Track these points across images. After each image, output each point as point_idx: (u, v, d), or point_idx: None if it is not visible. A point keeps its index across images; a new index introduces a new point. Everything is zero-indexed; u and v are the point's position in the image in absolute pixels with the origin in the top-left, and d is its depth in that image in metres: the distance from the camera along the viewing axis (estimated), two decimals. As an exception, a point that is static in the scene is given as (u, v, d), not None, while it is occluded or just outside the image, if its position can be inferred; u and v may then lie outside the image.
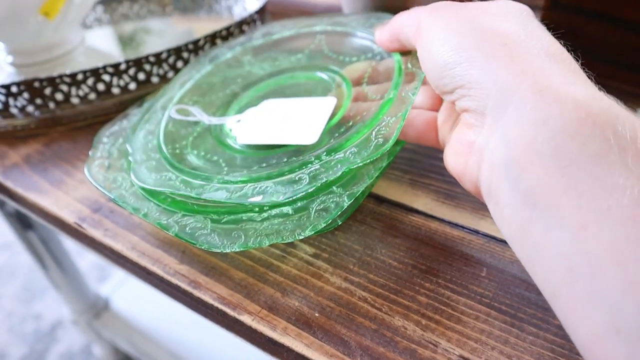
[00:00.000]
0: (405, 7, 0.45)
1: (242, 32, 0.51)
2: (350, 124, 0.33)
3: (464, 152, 0.25)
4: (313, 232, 0.29)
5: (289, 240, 0.29)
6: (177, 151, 0.37)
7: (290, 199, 0.28)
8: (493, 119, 0.23)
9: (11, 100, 0.45)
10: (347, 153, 0.29)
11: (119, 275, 0.98)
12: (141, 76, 0.46)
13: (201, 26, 0.66)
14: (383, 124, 0.29)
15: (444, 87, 0.26)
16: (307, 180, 0.28)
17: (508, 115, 0.22)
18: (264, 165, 0.33)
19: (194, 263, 0.32)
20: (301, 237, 0.29)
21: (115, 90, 0.46)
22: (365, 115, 0.32)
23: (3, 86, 0.43)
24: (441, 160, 0.38)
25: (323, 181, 0.28)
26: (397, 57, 0.34)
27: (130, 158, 0.36)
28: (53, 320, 1.09)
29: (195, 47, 0.47)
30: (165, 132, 0.38)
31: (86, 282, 0.88)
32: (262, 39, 0.45)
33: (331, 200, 0.29)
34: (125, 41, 0.64)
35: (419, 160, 0.39)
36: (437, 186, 0.37)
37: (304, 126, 0.35)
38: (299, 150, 0.34)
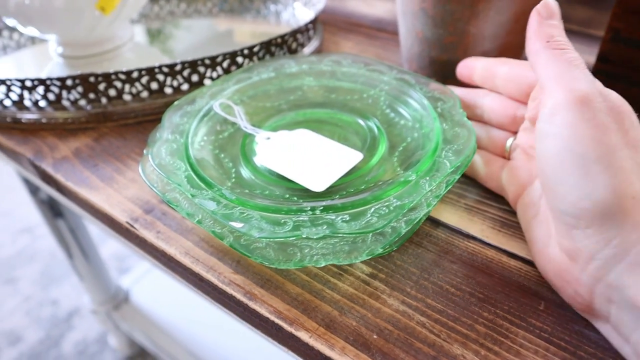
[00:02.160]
0: (456, 59, 0.44)
1: (295, 40, 0.51)
2: (363, 187, 0.33)
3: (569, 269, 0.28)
4: (369, 257, 0.29)
5: (345, 263, 0.29)
6: (202, 143, 0.37)
7: (266, 238, 0.28)
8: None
9: (64, 93, 0.45)
10: (338, 218, 0.29)
11: (140, 267, 0.98)
12: (194, 78, 0.46)
13: (244, 28, 0.66)
14: (386, 203, 0.30)
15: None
16: (291, 227, 0.28)
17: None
18: (266, 192, 0.33)
19: (249, 274, 0.32)
20: (357, 261, 0.29)
21: (168, 90, 0.46)
22: (379, 184, 0.32)
23: (59, 79, 0.43)
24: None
25: (303, 235, 0.28)
26: (438, 138, 0.34)
27: (157, 134, 0.36)
28: (70, 307, 1.10)
29: (250, 53, 0.47)
30: (201, 120, 0.38)
31: (108, 273, 0.89)
32: (331, 67, 0.45)
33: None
34: (153, 34, 0.64)
35: (474, 185, 0.39)
36: (493, 213, 0.36)
37: (319, 171, 0.35)
38: (306, 192, 0.34)
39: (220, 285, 0.32)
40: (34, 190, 0.72)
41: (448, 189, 0.32)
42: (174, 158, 0.34)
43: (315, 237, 0.28)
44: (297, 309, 0.30)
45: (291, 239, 0.28)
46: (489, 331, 0.29)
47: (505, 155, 0.37)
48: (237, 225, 0.29)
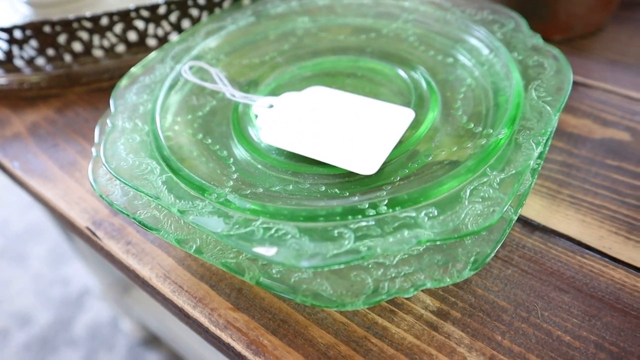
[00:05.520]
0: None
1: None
2: (430, 159, 0.23)
3: None
4: (475, 270, 0.19)
5: (445, 284, 0.19)
6: (176, 127, 0.26)
7: (321, 267, 0.17)
8: None
9: (15, 49, 0.34)
10: (422, 214, 0.19)
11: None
12: (186, 24, 0.35)
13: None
14: (485, 180, 0.20)
15: None
16: (351, 241, 0.18)
17: None
18: (290, 187, 0.22)
19: (255, 310, 0.22)
20: (461, 279, 0.19)
21: (151, 42, 0.35)
22: (456, 154, 0.22)
23: (3, 29, 0.32)
24: (612, 169, 0.26)
25: (375, 251, 0.17)
26: (515, 74, 0.24)
27: (108, 121, 0.25)
28: (81, 287, 1.03)
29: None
30: (168, 94, 0.27)
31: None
32: (328, 0, 0.33)
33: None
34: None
35: (579, 166, 0.27)
36: (613, 210, 0.25)
37: (361, 145, 0.23)
38: (346, 179, 0.23)
39: (212, 328, 0.21)
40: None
41: (548, 146, 0.22)
42: (139, 156, 0.23)
43: (399, 252, 0.18)
44: (329, 372, 0.19)
45: (332, 265, 0.17)
46: (636, 413, 0.18)
47: None
48: (268, 251, 0.18)
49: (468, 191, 0.19)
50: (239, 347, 0.21)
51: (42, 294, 1.03)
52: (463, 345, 0.20)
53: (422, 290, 0.22)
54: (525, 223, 0.24)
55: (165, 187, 0.21)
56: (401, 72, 0.28)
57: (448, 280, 0.18)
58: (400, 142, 0.24)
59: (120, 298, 0.83)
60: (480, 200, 0.19)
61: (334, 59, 0.31)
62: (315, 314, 0.21)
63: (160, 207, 0.22)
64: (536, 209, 0.25)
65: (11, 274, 1.07)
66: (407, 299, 0.22)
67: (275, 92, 0.28)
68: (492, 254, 0.19)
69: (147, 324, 0.83)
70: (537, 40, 0.27)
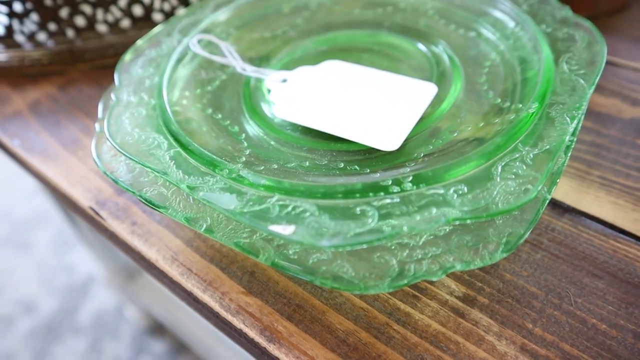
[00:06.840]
0: None
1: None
2: (455, 135, 0.21)
3: None
4: (507, 252, 0.18)
5: (476, 266, 0.18)
6: (185, 102, 0.24)
7: (337, 247, 0.16)
8: None
9: (16, 24, 0.32)
10: (451, 191, 0.17)
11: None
12: (193, -3, 0.33)
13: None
14: (517, 156, 0.18)
15: None
16: (375, 219, 0.16)
17: None
18: (306, 163, 0.21)
19: (269, 295, 0.20)
20: (494, 260, 0.17)
21: (157, 17, 0.34)
22: (482, 130, 0.21)
23: (3, 2, 0.31)
24: (651, 149, 0.25)
25: (401, 230, 0.16)
26: (545, 47, 0.23)
27: (112, 95, 0.24)
28: (85, 275, 1.02)
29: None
30: (175, 68, 0.26)
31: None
32: None
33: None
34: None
35: (608, 147, 0.25)
36: (648, 191, 0.23)
37: (382, 120, 0.22)
38: (366, 155, 0.21)
39: (223, 313, 0.20)
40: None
41: (579, 125, 0.20)
42: (145, 130, 0.22)
43: (427, 231, 0.17)
44: (349, 359, 0.18)
45: (354, 244, 0.16)
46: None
47: None
48: (285, 230, 0.17)
49: (500, 167, 0.18)
50: (252, 333, 0.19)
51: (47, 281, 1.02)
52: (492, 333, 0.19)
53: (447, 275, 0.20)
54: (554, 205, 0.23)
55: (173, 162, 0.20)
56: (421, 47, 0.27)
57: (479, 262, 0.17)
58: (421, 119, 0.23)
59: (125, 285, 0.82)
60: (513, 177, 0.17)
61: (349, 33, 0.29)
62: (333, 298, 0.20)
63: (167, 184, 0.20)
64: (565, 191, 0.23)
65: (15, 261, 1.06)
66: (430, 283, 0.20)
67: (288, 67, 0.27)
68: (526, 235, 0.18)
69: (152, 312, 0.82)
70: (566, 12, 0.25)
